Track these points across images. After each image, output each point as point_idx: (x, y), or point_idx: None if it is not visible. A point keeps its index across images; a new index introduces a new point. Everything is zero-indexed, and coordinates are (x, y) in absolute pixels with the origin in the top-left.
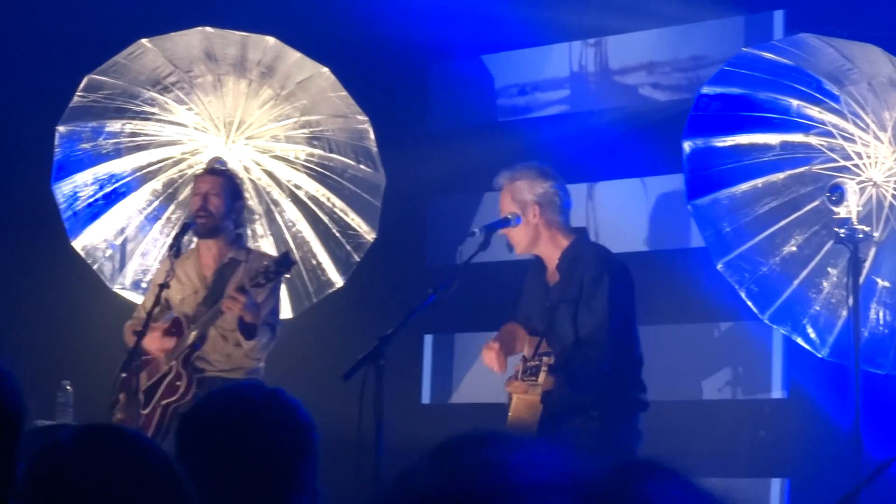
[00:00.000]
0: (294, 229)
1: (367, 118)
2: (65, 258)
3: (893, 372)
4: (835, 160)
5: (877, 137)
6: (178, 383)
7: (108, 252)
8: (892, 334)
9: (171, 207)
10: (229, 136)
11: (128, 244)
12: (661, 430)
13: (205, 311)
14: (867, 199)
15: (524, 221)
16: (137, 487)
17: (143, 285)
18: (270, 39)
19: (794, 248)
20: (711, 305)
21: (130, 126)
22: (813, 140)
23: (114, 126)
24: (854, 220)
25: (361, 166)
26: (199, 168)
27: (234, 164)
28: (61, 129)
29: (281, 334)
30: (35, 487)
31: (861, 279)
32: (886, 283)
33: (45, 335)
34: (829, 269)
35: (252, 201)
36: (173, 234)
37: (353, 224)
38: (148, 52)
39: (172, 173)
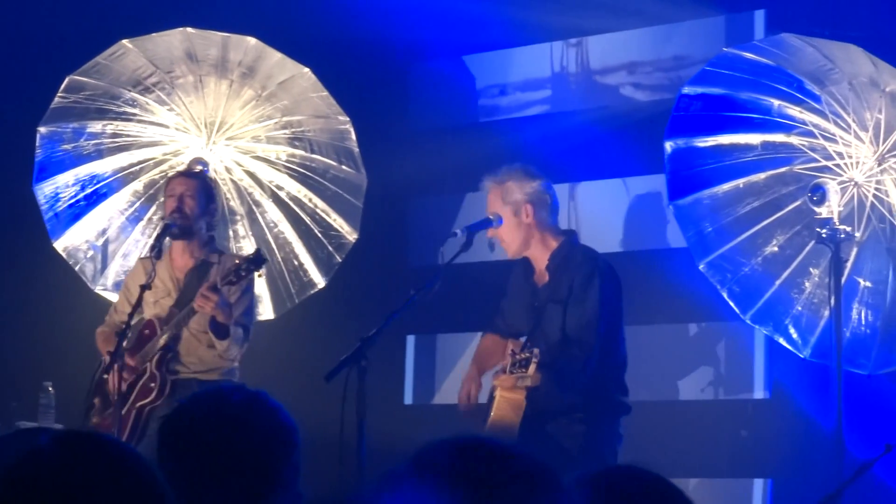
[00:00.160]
0: (276, 230)
1: (348, 119)
2: (46, 259)
3: (875, 372)
4: (816, 160)
5: (858, 137)
6: (151, 385)
7: (90, 253)
8: (874, 334)
9: (153, 208)
10: (211, 137)
11: (109, 245)
12: (644, 430)
13: (177, 313)
14: (849, 199)
15: (517, 221)
16: (117, 495)
17: None
18: (251, 40)
19: (775, 249)
20: (693, 306)
21: (112, 127)
22: (794, 140)
23: (95, 127)
24: (836, 220)
25: (343, 167)
26: (177, 169)
27: (216, 165)
28: (42, 130)
29: (263, 335)
30: (13, 494)
31: (843, 279)
32: (868, 283)
33: (26, 337)
34: (811, 270)
35: (234, 202)
36: (154, 235)
37: (335, 225)
38: (129, 52)
39: (154, 174)
